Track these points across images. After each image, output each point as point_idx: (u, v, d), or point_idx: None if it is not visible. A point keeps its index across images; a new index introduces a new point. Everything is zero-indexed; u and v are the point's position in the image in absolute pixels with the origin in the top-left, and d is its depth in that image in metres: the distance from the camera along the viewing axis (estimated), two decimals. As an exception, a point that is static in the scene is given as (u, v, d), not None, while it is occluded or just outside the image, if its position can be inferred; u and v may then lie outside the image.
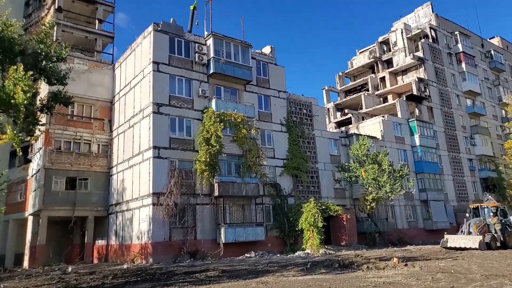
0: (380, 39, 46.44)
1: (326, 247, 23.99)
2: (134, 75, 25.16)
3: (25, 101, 11.86)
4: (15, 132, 12.11)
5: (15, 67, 12.43)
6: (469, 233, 21.28)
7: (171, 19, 24.73)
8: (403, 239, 30.27)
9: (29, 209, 25.67)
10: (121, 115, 26.22)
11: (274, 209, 25.38)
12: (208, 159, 22.18)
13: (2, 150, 24.76)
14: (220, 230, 22.13)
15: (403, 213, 33.53)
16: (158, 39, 23.56)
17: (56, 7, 28.25)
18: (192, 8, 27.33)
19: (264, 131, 26.61)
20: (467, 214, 23.22)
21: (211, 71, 24.54)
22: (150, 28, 23.80)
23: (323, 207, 25.11)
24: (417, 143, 36.08)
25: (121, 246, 23.61)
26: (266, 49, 29.72)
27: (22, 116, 12.41)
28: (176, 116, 23.10)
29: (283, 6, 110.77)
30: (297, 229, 24.49)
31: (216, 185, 22.48)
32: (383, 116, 35.63)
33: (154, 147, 21.81)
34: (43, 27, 16.75)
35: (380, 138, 33.68)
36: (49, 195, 23.78)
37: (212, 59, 24.57)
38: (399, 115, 37.19)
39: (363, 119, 39.42)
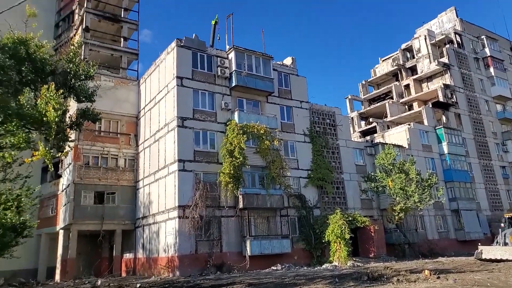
0: (403, 46, 45.82)
1: (354, 259, 23.46)
2: (158, 90, 25.70)
3: (56, 119, 12.28)
4: (47, 148, 12.53)
5: (46, 86, 12.92)
6: (505, 244, 20.33)
7: (194, 35, 25.23)
8: (434, 250, 29.29)
9: (60, 223, 26.37)
10: (146, 129, 26.77)
11: (299, 221, 25.10)
12: (232, 171, 22.23)
13: (35, 166, 25.58)
14: (245, 242, 22.04)
15: (433, 223, 32.48)
16: (181, 55, 24.04)
17: (84, 27, 29.38)
18: (213, 23, 27.83)
19: (287, 142, 26.52)
20: (502, 224, 22.25)
21: (233, 84, 24.79)
22: (173, 44, 24.34)
23: (350, 219, 24.62)
24: (446, 151, 35.08)
25: (148, 259, 23.85)
26: (287, 60, 29.82)
27: (54, 133, 12.84)
28: (200, 129, 23.37)
29: (304, 16, 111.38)
30: (323, 241, 24.09)
31: (240, 197, 22.48)
32: (409, 124, 34.92)
33: (179, 160, 22.08)
34: (72, 47, 17.39)
35: (407, 147, 32.95)
36: (79, 209, 24.38)
37: (234, 72, 24.83)
38: (426, 122, 36.34)
39: (388, 128, 38.76)
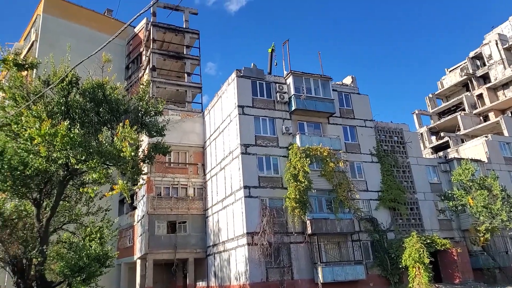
0: (471, 54, 43.10)
1: (437, 285, 21.66)
2: (222, 120, 26.56)
3: (132, 153, 13.11)
4: (124, 182, 13.37)
5: (122, 124, 13.91)
6: None
7: (252, 64, 25.94)
8: (531, 275, 26.06)
9: (137, 253, 27.68)
10: (212, 158, 27.60)
11: (373, 245, 23.84)
12: (297, 196, 21.93)
13: (112, 199, 27.46)
14: (317, 269, 21.35)
15: (527, 244, 29.02)
16: (241, 84, 24.76)
17: (151, 66, 31.65)
18: (270, 51, 28.46)
19: (354, 163, 25.69)
20: None
21: (293, 108, 24.84)
22: (233, 75, 25.19)
23: (428, 241, 22.91)
24: (533, 162, 31.68)
25: (221, 287, 23.99)
26: (347, 80, 29.36)
27: (129, 167, 13.69)
28: (263, 155, 23.54)
29: (360, 34, 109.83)
30: (400, 266, 22.59)
31: (308, 222, 22.00)
32: (486, 136, 32.23)
33: (245, 187, 22.32)
34: (141, 86, 18.71)
35: (486, 161, 30.31)
36: (153, 239, 25.44)
37: (293, 96, 24.94)
38: (506, 133, 33.37)
39: (462, 142, 36.14)
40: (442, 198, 26.96)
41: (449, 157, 31.15)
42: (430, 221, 26.39)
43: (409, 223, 25.51)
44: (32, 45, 34.71)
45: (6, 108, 14.38)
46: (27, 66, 14.86)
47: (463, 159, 28.77)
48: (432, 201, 27.21)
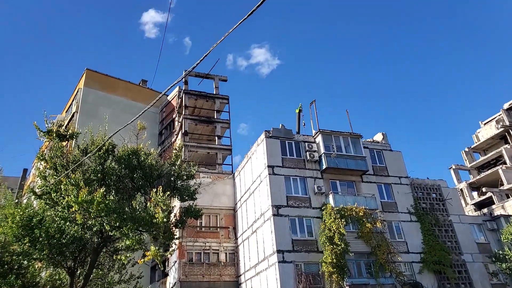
0: (506, 105, 42.13)
1: None
2: (252, 181, 26.45)
3: (164, 219, 13.07)
4: (157, 248, 13.20)
5: (155, 189, 14.07)
6: None
7: (280, 125, 26.30)
8: None
9: (168, 323, 26.51)
10: (244, 221, 27.10)
11: (419, 313, 21.84)
12: (334, 260, 20.80)
13: (144, 266, 27.03)
14: None
15: None
16: (270, 145, 24.94)
17: (183, 131, 32.69)
18: (297, 111, 28.95)
19: (391, 222, 24.47)
20: None
21: (324, 167, 24.52)
22: (262, 136, 25.51)
23: (483, 309, 20.77)
24: None
25: None
26: (378, 137, 29.04)
27: (162, 232, 13.59)
28: (296, 217, 22.89)
29: (388, 90, 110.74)
30: (454, 338, 20.35)
31: (347, 288, 20.60)
32: (533, 190, 30.28)
33: (278, 251, 21.48)
34: (174, 151, 19.18)
35: (537, 217, 28.10)
36: (185, 309, 24.37)
37: (323, 155, 24.75)
38: (555, 186, 31.19)
39: (507, 197, 34.03)
40: (493, 259, 24.83)
41: (495, 214, 29.17)
42: (482, 286, 24.10)
43: (458, 288, 23.43)
44: (73, 116, 36.99)
45: (47, 177, 14.97)
46: (68, 136, 15.67)
47: (511, 216, 26.86)
48: (481, 263, 25.08)
